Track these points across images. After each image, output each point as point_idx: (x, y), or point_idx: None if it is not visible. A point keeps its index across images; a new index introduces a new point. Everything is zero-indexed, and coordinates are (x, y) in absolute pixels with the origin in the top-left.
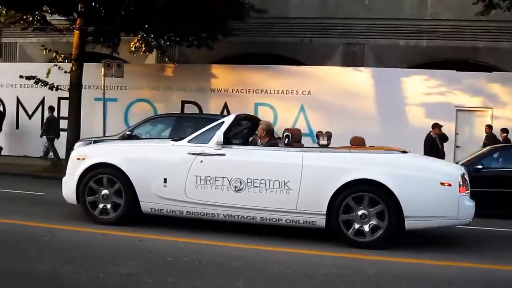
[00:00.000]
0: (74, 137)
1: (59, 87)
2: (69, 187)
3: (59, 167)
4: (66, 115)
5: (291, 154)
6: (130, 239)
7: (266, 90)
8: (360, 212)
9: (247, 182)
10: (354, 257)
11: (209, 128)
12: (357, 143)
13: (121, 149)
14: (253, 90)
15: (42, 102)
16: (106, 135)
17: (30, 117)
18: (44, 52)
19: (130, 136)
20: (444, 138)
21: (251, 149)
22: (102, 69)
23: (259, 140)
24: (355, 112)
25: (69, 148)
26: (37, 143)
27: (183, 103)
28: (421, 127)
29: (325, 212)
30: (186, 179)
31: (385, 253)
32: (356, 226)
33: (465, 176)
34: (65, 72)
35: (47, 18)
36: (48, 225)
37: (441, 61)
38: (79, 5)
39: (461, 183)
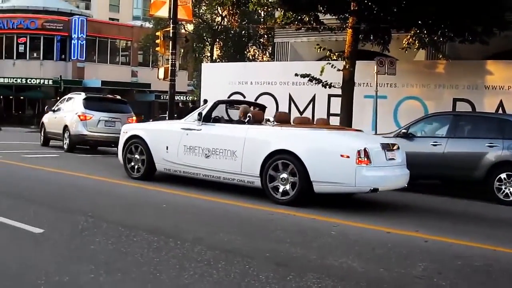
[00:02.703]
0: None
1: (332, 84)
2: (119, 152)
3: None
4: (336, 112)
5: (239, 129)
6: (417, 240)
7: None
8: (281, 176)
9: (212, 151)
10: None
11: (198, 110)
12: (300, 122)
13: (146, 126)
14: None
15: (313, 99)
16: (377, 133)
17: (301, 113)
18: (318, 51)
19: (405, 134)
20: None
21: (217, 126)
22: (375, 66)
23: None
24: None
25: None
26: None
27: (455, 100)
28: None
29: (259, 175)
30: (178, 147)
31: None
32: (279, 186)
33: (366, 149)
34: (338, 70)
35: (320, 18)
36: (332, 219)
37: None
38: (352, 4)
39: (362, 156)
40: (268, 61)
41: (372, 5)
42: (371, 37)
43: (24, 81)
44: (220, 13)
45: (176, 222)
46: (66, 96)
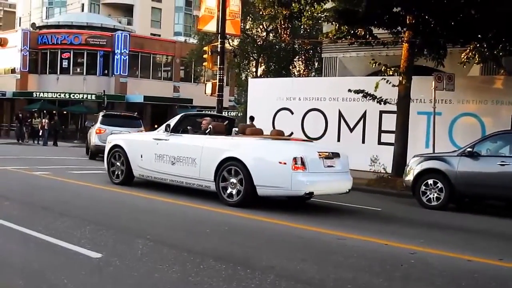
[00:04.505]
0: (401, 150)
1: (387, 100)
2: (104, 160)
3: (385, 180)
4: (388, 128)
5: (197, 140)
6: (503, 270)
7: None
8: (231, 180)
9: (177, 158)
10: None
11: (167, 122)
12: (252, 133)
13: (126, 136)
14: None
15: (363, 116)
16: (435, 151)
17: (351, 130)
18: (373, 66)
19: (470, 153)
20: None
21: (183, 136)
22: (433, 82)
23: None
24: None
25: (398, 162)
26: (359, 155)
27: None
28: None
29: (213, 180)
30: (150, 156)
31: None
32: (231, 191)
33: (302, 157)
34: (393, 85)
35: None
36: (407, 245)
37: None
38: (408, 18)
39: (298, 163)
40: (314, 76)
41: (429, 19)
42: (425, 52)
43: (68, 96)
44: (266, 27)
45: (241, 247)
46: (98, 114)
